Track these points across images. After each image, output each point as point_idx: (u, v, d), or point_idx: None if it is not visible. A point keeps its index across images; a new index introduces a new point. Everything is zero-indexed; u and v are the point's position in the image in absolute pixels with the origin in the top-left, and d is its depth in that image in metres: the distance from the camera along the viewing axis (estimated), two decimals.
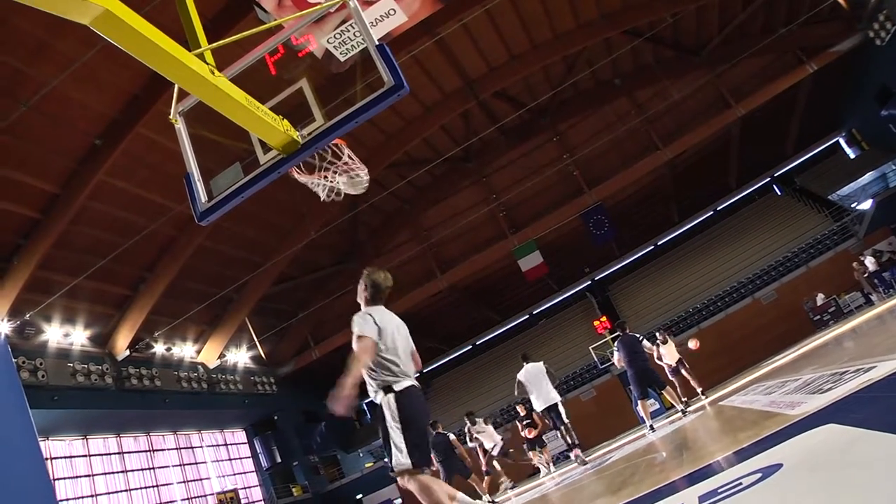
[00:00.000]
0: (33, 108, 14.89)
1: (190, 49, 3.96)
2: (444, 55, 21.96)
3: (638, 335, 11.75)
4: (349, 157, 4.91)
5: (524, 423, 14.74)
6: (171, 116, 4.52)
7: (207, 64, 3.94)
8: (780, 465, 2.07)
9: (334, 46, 4.70)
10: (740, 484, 2.07)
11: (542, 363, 12.37)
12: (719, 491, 2.14)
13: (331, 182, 4.95)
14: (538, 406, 12.13)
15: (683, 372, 15.08)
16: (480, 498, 12.78)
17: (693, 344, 14.97)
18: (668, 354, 15.08)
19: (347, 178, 4.95)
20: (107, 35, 3.25)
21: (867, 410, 2.36)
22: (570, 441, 12.24)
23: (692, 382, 14.85)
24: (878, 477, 1.45)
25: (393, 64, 4.18)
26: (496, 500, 13.28)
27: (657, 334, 15.95)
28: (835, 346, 8.96)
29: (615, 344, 11.86)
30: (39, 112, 15.24)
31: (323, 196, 5.38)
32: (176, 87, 4.13)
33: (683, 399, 12.68)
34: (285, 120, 4.25)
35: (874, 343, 5.87)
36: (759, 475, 2.06)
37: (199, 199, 4.48)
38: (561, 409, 11.96)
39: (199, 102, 4.32)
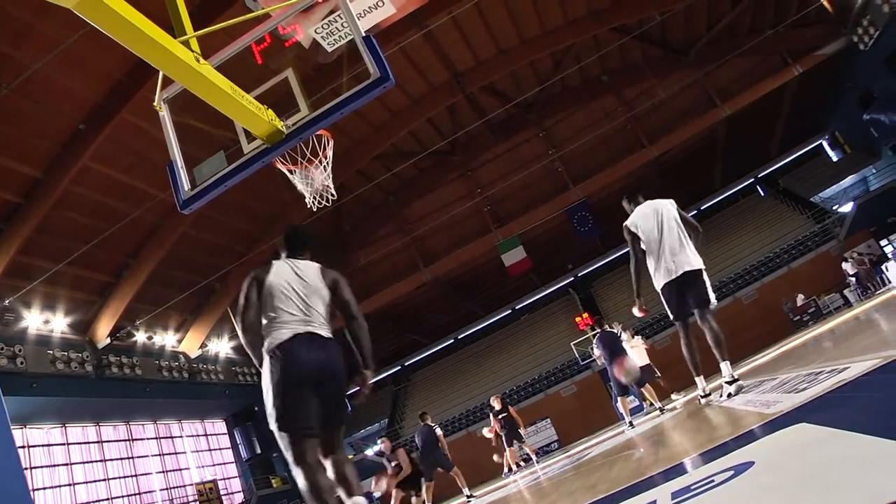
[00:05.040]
0: (16, 91, 14.73)
1: (175, 36, 3.93)
2: (431, 48, 21.95)
3: (616, 331, 11.76)
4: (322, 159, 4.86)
5: (499, 417, 13.81)
6: (155, 103, 4.49)
7: (193, 51, 3.92)
8: (751, 463, 2.10)
9: (322, 37, 4.68)
10: (713, 481, 2.10)
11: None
12: (692, 487, 2.17)
13: (312, 181, 4.90)
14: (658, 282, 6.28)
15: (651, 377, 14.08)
16: (461, 491, 12.85)
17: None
18: (635, 356, 12.98)
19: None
20: (91, 19, 3.22)
21: (838, 410, 2.40)
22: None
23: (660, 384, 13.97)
24: (843, 475, 1.48)
25: (379, 55, 4.17)
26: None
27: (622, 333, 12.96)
28: (813, 347, 9.07)
29: (595, 340, 11.73)
30: (22, 95, 15.07)
31: (309, 201, 5.36)
32: (161, 73, 4.10)
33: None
34: (270, 109, 4.24)
35: (849, 344, 5.95)
36: (731, 472, 2.09)
37: (183, 188, 4.45)
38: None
39: (183, 90, 4.29)
